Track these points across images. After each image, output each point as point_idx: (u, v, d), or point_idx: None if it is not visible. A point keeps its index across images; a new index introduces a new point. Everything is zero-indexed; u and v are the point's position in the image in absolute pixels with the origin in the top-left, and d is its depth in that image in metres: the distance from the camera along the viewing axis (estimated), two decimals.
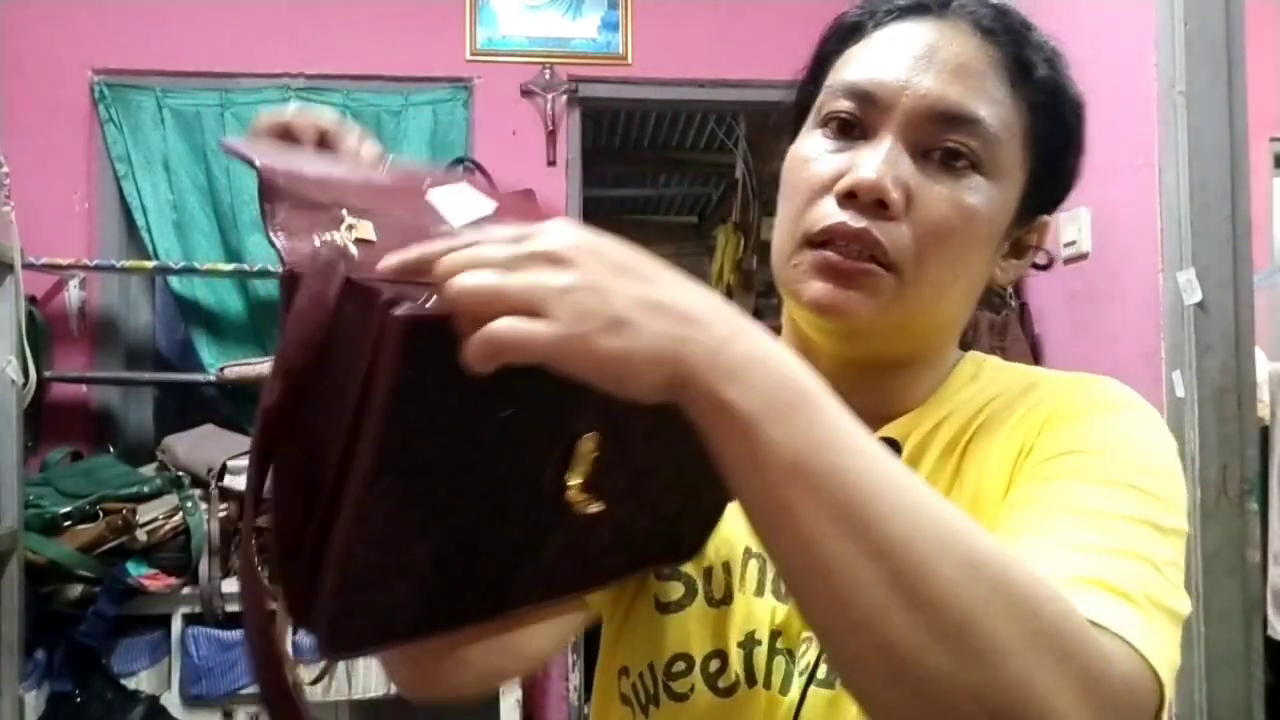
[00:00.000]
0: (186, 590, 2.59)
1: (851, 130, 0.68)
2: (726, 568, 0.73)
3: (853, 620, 0.43)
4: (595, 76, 3.35)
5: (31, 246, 2.68)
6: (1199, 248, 1.96)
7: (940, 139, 0.66)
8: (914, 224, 0.65)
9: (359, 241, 0.50)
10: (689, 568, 0.73)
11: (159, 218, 3.11)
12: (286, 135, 0.61)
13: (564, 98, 3.31)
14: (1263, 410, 2.36)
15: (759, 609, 0.71)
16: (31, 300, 2.81)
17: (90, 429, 3.10)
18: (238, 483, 2.65)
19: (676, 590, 0.73)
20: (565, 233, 0.45)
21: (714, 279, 4.54)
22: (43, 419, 2.97)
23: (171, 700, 2.61)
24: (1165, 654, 0.50)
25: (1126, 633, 0.48)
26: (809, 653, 0.69)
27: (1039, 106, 0.69)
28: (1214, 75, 1.99)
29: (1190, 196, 1.97)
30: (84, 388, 3.09)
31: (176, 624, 2.62)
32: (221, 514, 2.61)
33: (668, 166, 5.41)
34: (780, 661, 0.70)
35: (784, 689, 0.69)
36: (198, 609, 2.59)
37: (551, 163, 3.30)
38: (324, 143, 0.62)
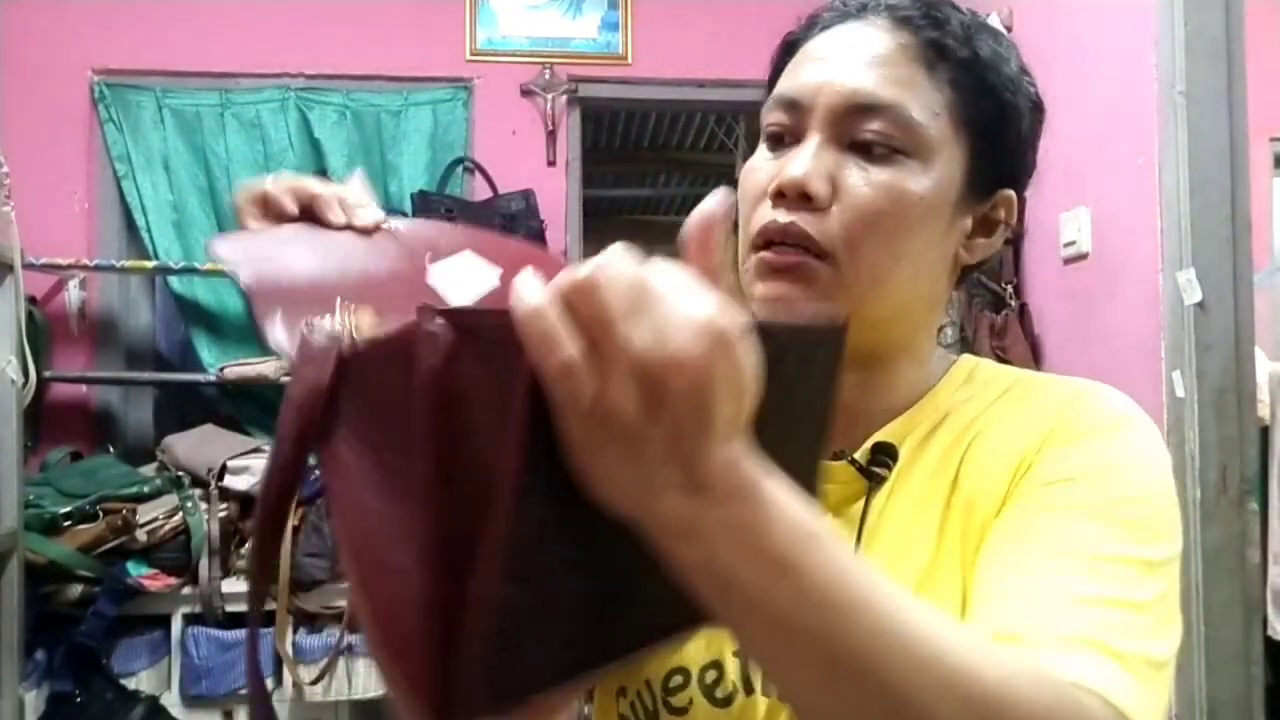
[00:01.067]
0: (186, 590, 2.59)
1: (786, 139, 0.71)
2: None
3: None
4: (595, 76, 3.35)
5: (31, 246, 2.68)
6: (1199, 248, 1.96)
7: (861, 128, 0.68)
8: (842, 212, 0.68)
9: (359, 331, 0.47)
10: None
11: (159, 218, 3.12)
12: (268, 207, 0.60)
13: (564, 98, 3.31)
14: (1263, 410, 2.36)
15: None
16: (31, 300, 2.82)
17: (90, 429, 3.11)
18: (238, 483, 2.65)
19: None
20: (679, 333, 0.38)
21: None
22: (43, 419, 2.97)
23: (171, 700, 2.61)
24: (1151, 708, 0.52)
25: (1119, 699, 0.50)
26: None
27: (960, 84, 0.70)
28: (1214, 75, 1.99)
29: (1190, 196, 1.97)
30: (84, 388, 3.09)
31: (176, 624, 2.62)
32: (221, 514, 2.61)
33: (668, 166, 5.41)
34: None
35: None
36: (198, 609, 2.59)
37: (551, 163, 3.30)
38: (311, 211, 0.60)
